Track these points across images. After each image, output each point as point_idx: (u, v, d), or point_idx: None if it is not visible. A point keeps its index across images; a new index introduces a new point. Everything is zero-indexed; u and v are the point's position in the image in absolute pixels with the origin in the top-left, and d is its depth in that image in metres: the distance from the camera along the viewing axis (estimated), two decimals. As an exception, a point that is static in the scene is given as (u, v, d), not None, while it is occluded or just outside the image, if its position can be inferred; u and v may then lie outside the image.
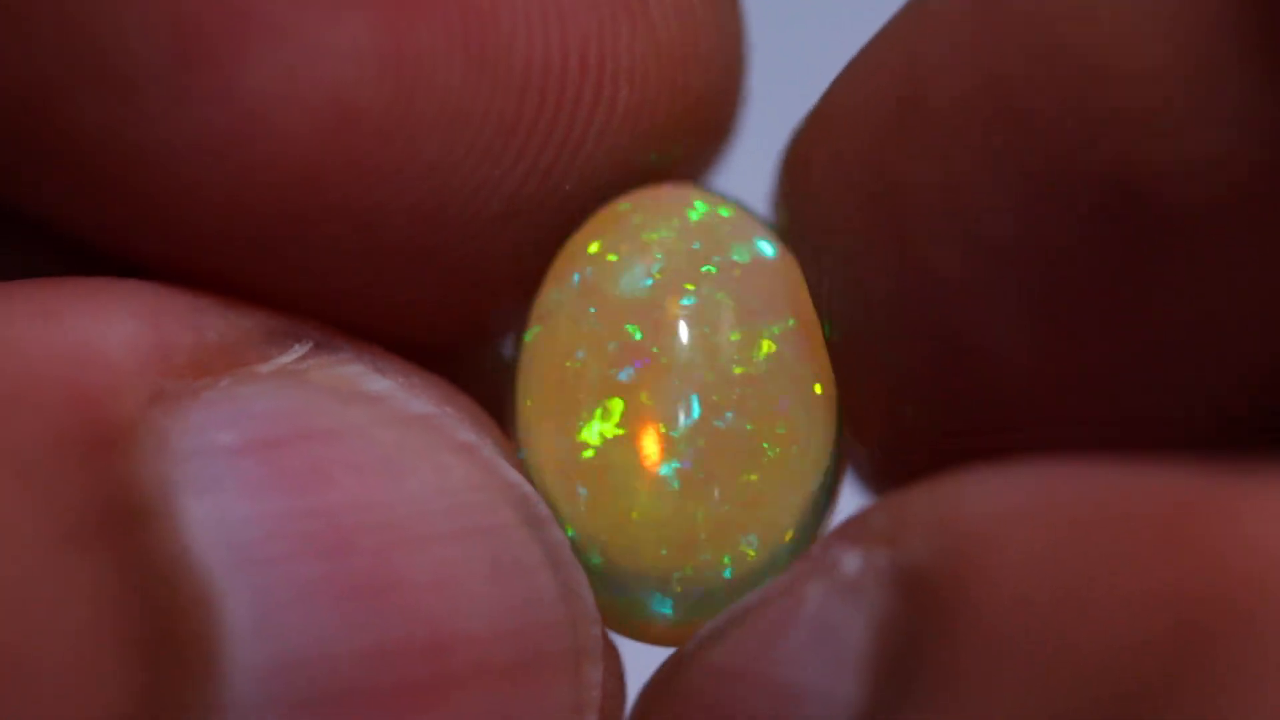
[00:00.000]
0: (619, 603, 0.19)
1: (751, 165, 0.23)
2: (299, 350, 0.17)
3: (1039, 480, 0.16)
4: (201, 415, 0.16)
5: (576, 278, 0.20)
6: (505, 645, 0.16)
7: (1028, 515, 0.15)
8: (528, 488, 0.17)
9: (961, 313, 0.18)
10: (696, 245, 0.20)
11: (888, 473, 0.20)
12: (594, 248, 0.20)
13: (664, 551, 0.19)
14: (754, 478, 0.19)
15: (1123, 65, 0.17)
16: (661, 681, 0.18)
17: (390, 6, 0.18)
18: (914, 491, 0.16)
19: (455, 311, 0.20)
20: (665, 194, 0.20)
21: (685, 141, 0.20)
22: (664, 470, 0.19)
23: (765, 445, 0.19)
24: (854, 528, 0.17)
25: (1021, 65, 0.18)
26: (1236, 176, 0.17)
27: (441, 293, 0.19)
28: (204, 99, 0.17)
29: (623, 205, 0.20)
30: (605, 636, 0.18)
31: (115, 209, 0.17)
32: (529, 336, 0.20)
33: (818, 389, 0.20)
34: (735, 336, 0.19)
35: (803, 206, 0.20)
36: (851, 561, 0.16)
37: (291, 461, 0.16)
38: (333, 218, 0.18)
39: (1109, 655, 0.14)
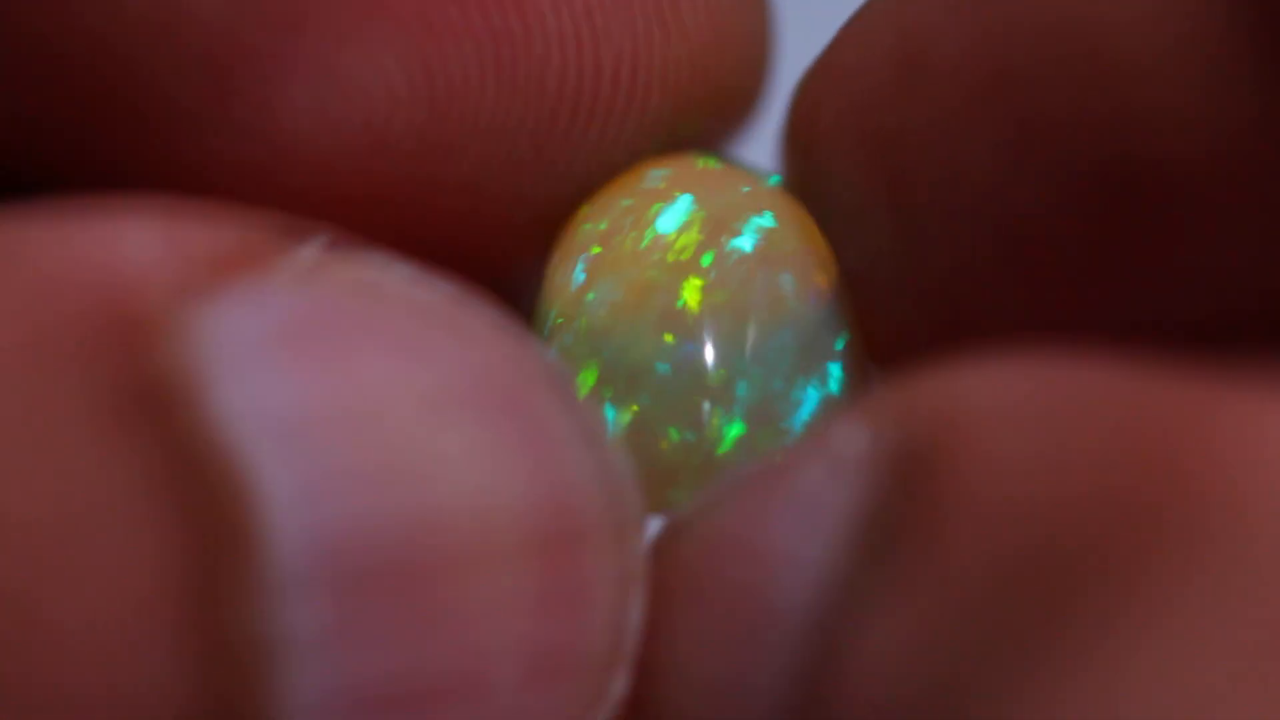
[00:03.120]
0: None
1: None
2: (316, 250, 0.17)
3: (1038, 377, 0.16)
4: (226, 308, 0.16)
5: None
6: (543, 519, 0.16)
7: (1021, 404, 0.15)
8: (557, 364, 0.18)
9: (956, 274, 0.19)
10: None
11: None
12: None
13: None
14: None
15: (1125, 50, 0.18)
16: (652, 552, 0.18)
17: (422, 33, 0.18)
18: (917, 378, 0.17)
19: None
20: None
21: (712, 131, 0.21)
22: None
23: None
24: (857, 410, 0.17)
25: (1022, 40, 0.18)
26: (1237, 162, 0.17)
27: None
28: (237, 130, 0.18)
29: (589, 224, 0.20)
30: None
31: None
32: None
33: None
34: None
35: (808, 156, 0.21)
36: (848, 440, 0.17)
37: (317, 346, 0.16)
38: (364, 235, 0.18)
39: (1062, 515, 0.14)
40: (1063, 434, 0.15)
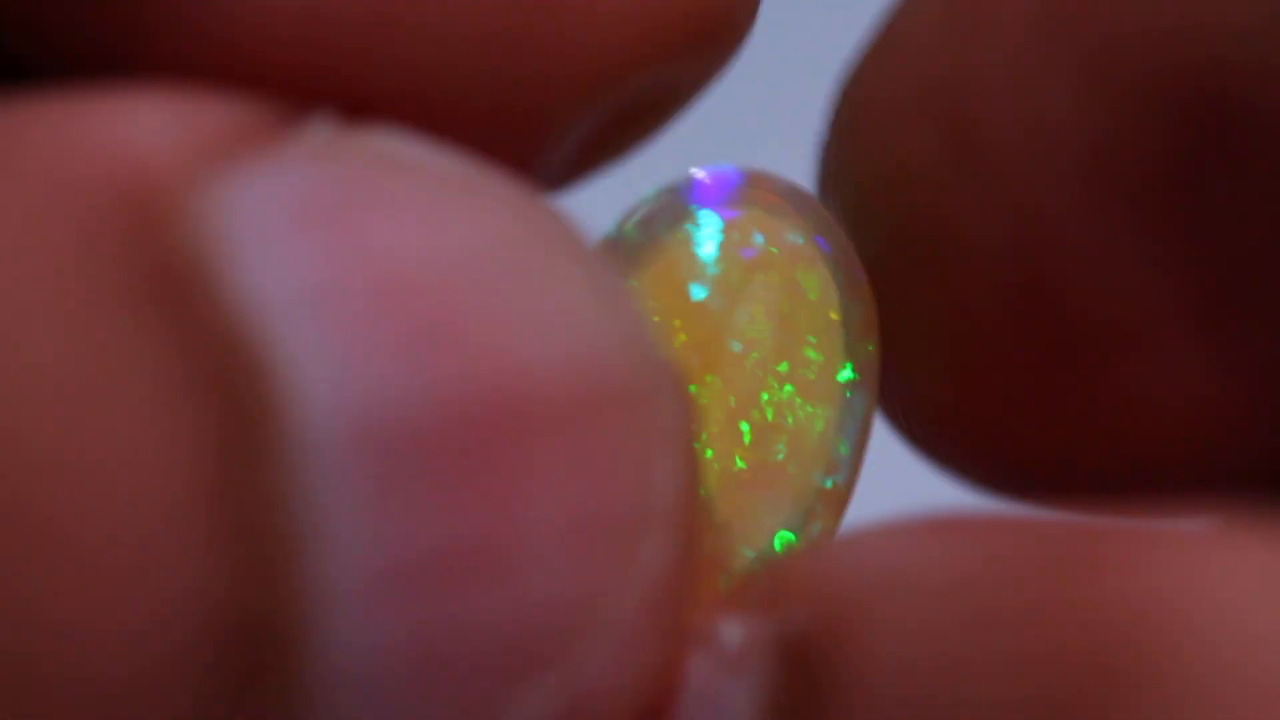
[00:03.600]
0: None
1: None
2: (328, 126, 0.17)
3: (921, 539, 0.16)
4: (243, 185, 0.15)
5: None
6: (572, 383, 0.16)
7: (906, 577, 0.15)
8: (577, 235, 0.17)
9: (1048, 243, 0.18)
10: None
11: (948, 436, 0.20)
12: None
13: None
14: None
15: None
16: None
17: None
18: (797, 557, 0.17)
19: None
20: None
21: (686, 54, 0.20)
22: None
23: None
24: (738, 596, 0.17)
25: None
26: None
27: None
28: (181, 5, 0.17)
29: None
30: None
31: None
32: None
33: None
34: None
35: (862, 143, 0.20)
36: (732, 632, 0.16)
37: (338, 218, 0.15)
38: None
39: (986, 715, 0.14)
40: (953, 619, 0.15)
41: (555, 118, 0.19)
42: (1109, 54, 0.18)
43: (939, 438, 0.20)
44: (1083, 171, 0.18)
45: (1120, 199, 0.18)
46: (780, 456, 0.19)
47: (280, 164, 0.16)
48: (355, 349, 0.15)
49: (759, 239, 0.20)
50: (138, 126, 0.16)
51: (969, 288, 0.19)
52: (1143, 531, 0.15)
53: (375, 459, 0.15)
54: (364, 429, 0.15)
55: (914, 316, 0.20)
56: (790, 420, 0.19)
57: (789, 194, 0.20)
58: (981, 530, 0.16)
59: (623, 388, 0.16)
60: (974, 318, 0.19)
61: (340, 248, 0.15)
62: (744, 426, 0.19)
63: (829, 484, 0.19)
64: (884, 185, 0.20)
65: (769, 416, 0.19)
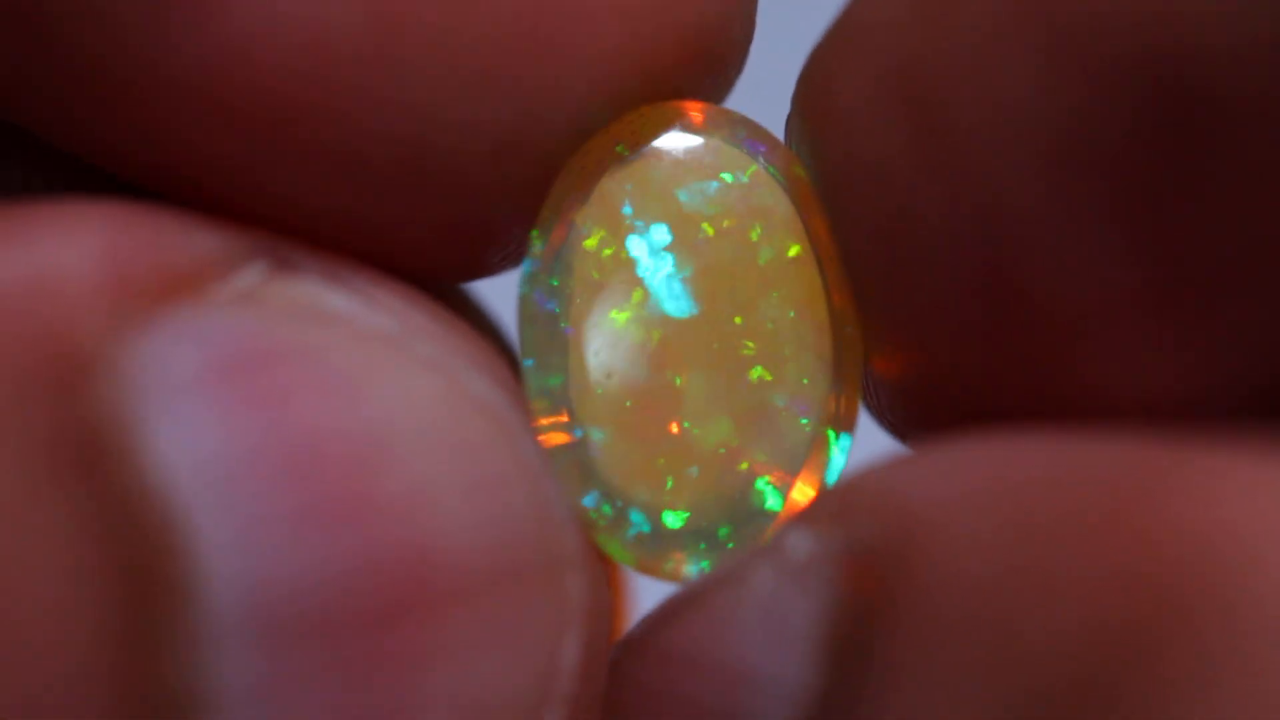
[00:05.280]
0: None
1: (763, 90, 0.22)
2: (257, 271, 0.17)
3: (991, 458, 0.15)
4: (162, 343, 0.16)
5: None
6: (484, 559, 0.16)
7: (977, 495, 0.15)
8: (499, 400, 0.17)
9: (1012, 229, 0.18)
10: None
11: (911, 418, 0.20)
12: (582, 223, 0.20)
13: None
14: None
15: None
16: (611, 668, 0.17)
17: None
18: (865, 473, 0.16)
19: (447, 246, 0.19)
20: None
21: (684, 78, 0.20)
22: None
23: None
24: (806, 511, 0.17)
25: None
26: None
27: (430, 229, 0.19)
28: (182, 33, 0.17)
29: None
30: (593, 550, 0.18)
31: (99, 131, 0.17)
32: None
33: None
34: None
35: (826, 128, 0.20)
36: (800, 544, 0.16)
37: (254, 385, 0.16)
38: (314, 153, 0.17)
39: (1055, 642, 0.14)
40: (1021, 539, 0.14)
41: (554, 150, 0.19)
42: (1076, 39, 0.17)
43: (903, 417, 0.20)
44: (1048, 157, 0.18)
45: (1084, 184, 0.17)
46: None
47: (202, 312, 0.16)
48: (256, 522, 0.15)
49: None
50: (62, 266, 0.15)
51: (933, 270, 0.19)
52: (1209, 462, 0.15)
53: (273, 638, 0.15)
54: (262, 609, 0.15)
55: (878, 297, 0.19)
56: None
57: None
58: (1051, 451, 0.15)
59: (538, 559, 0.16)
60: (937, 300, 0.19)
61: (250, 417, 0.15)
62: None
63: None
64: (848, 169, 0.19)
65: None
